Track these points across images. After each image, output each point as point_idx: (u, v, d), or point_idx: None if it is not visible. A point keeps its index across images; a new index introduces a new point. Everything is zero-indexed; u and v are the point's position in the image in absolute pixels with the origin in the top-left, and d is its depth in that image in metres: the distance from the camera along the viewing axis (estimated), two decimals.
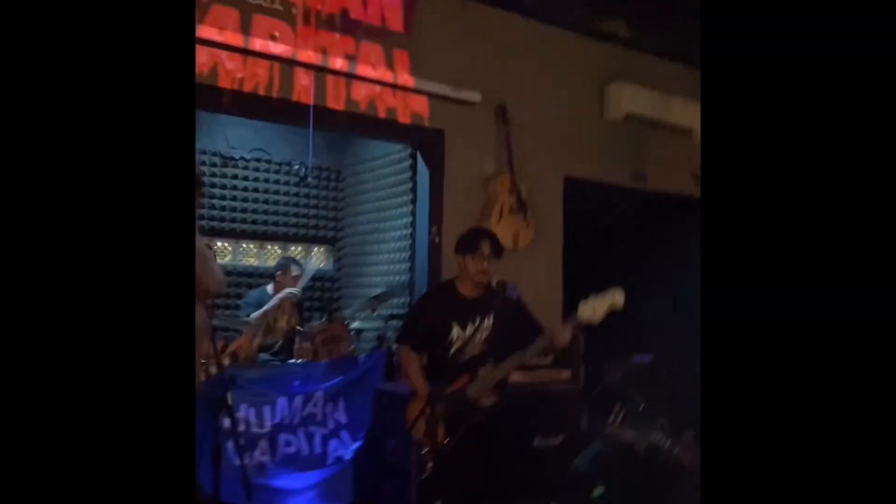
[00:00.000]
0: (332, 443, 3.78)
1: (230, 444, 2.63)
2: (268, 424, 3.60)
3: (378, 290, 4.91)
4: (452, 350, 3.02)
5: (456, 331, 3.04)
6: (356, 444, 3.82)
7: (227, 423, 2.24)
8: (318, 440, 3.74)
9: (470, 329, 3.01)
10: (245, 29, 3.80)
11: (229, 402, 2.17)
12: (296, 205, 5.48)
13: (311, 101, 4.01)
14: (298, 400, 3.70)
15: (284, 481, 3.57)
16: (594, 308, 2.74)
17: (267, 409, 3.60)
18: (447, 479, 2.80)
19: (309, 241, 5.55)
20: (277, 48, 3.86)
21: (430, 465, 2.79)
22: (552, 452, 3.73)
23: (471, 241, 3.09)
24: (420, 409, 2.82)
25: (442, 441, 2.80)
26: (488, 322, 3.03)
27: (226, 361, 2.30)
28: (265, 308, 4.09)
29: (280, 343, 4.20)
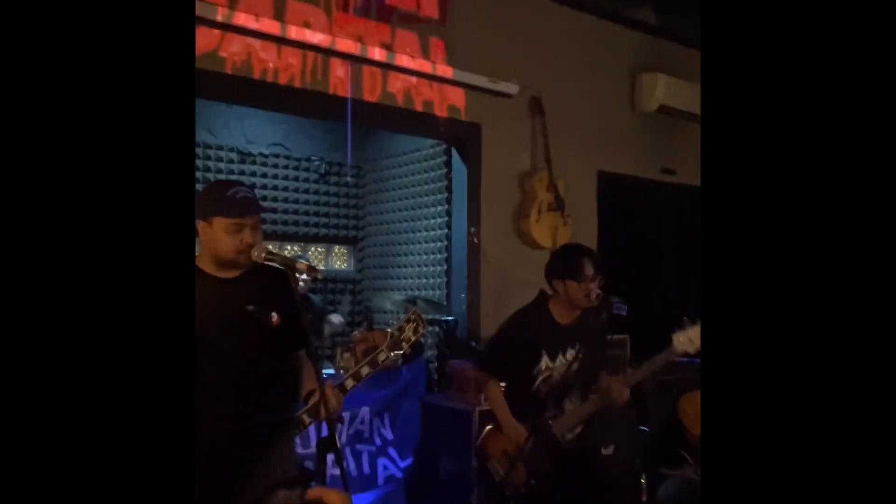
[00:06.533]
0: (381, 461, 3.53)
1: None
2: (312, 444, 3.34)
3: (408, 294, 4.66)
4: (538, 382, 2.74)
5: (545, 361, 2.75)
6: (406, 462, 3.58)
7: (334, 469, 1.99)
8: (365, 459, 3.49)
9: (560, 360, 2.73)
10: (279, 16, 3.51)
11: (338, 443, 1.90)
12: (316, 203, 5.18)
13: (348, 94, 3.73)
14: (344, 416, 3.44)
15: None
16: (692, 339, 2.49)
17: (311, 428, 3.33)
18: None
19: (329, 241, 5.27)
20: (314, 37, 3.56)
21: None
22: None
23: (572, 264, 2.71)
24: (503, 447, 2.55)
25: (526, 481, 2.53)
26: (581, 352, 2.73)
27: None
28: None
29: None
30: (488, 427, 2.81)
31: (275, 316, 2.10)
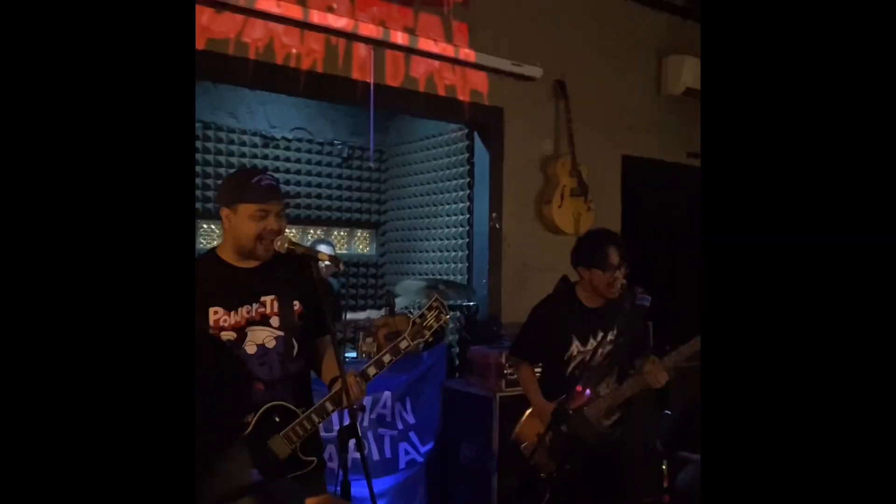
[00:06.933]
0: (402, 446, 3.55)
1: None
2: (335, 428, 3.37)
3: (430, 278, 4.66)
4: (571, 366, 2.74)
5: (576, 345, 2.75)
6: (427, 447, 3.60)
7: (355, 455, 2.01)
8: (387, 443, 3.52)
9: (592, 343, 2.72)
10: (302, 1, 3.49)
11: (359, 431, 1.92)
12: (338, 187, 5.19)
13: (370, 79, 3.72)
14: (366, 401, 3.46)
15: (354, 489, 3.35)
16: None
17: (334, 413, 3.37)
18: None
19: (352, 225, 5.29)
20: (337, 21, 3.55)
21: (547, 493, 2.53)
22: None
23: (596, 252, 2.70)
24: (536, 430, 2.55)
25: (560, 466, 2.53)
26: (611, 336, 2.72)
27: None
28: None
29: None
30: (526, 412, 2.80)
31: (297, 304, 2.13)
